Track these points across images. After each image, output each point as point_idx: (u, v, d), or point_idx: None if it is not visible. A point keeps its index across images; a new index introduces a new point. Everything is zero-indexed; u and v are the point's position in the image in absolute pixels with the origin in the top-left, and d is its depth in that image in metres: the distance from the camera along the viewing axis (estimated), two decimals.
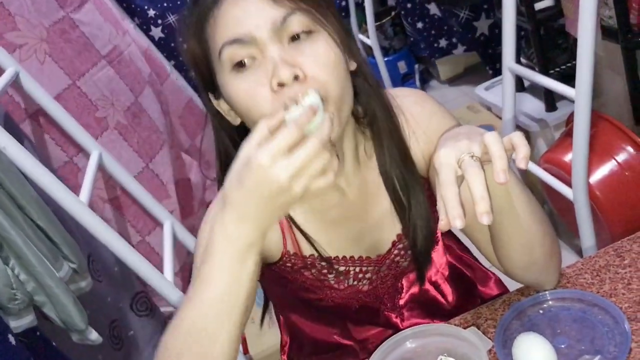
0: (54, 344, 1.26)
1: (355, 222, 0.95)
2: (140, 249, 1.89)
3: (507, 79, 1.95)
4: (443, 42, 3.23)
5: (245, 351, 1.82)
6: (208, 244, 0.72)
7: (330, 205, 0.93)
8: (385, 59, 3.37)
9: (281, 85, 0.76)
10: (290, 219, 0.91)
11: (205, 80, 0.85)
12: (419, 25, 3.19)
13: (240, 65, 0.79)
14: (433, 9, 3.15)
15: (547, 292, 0.93)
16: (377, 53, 3.30)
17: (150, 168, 1.87)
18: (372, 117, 0.89)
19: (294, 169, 0.66)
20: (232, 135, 0.89)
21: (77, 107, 1.76)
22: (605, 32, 1.79)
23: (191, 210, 2.02)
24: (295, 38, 0.79)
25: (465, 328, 0.92)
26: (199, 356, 0.74)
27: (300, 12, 0.79)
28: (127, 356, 1.59)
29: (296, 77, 0.76)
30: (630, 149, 1.78)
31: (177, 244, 1.76)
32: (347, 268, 0.95)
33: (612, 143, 1.81)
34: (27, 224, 1.22)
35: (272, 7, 0.78)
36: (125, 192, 1.85)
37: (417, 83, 3.46)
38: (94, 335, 1.29)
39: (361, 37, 3.36)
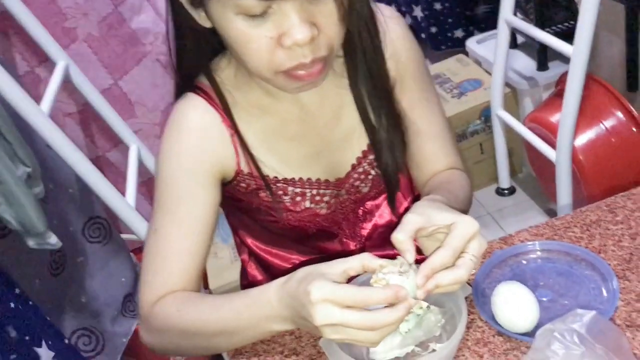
0: None
1: (315, 140, 0.90)
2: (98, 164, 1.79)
3: (502, 32, 1.88)
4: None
5: (206, 286, 1.77)
6: (261, 290, 0.74)
7: (289, 119, 0.88)
8: None
9: (296, 45, 0.71)
10: (239, 137, 0.85)
11: None
12: None
13: (254, 15, 0.71)
14: None
15: (532, 243, 0.88)
16: None
17: (119, 85, 1.75)
18: (351, 35, 0.82)
19: (332, 322, 0.64)
20: (197, 36, 0.81)
21: (44, 16, 1.63)
22: None
23: (155, 131, 1.90)
24: None
25: None
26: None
27: None
28: (69, 281, 1.51)
29: (313, 38, 0.72)
30: (620, 114, 1.73)
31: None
32: (304, 190, 0.91)
33: (602, 107, 1.76)
34: None
35: None
36: (89, 109, 1.75)
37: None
38: (53, 239, 1.20)
39: None
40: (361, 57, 0.84)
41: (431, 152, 0.96)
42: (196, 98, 0.85)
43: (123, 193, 1.49)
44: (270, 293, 0.72)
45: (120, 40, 1.75)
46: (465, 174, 0.97)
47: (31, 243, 1.19)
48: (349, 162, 0.92)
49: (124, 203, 1.47)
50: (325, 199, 0.93)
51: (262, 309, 0.73)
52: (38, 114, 1.31)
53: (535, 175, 2.10)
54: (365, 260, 0.69)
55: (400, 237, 0.71)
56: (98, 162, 1.82)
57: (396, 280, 0.68)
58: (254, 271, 1.06)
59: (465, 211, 0.88)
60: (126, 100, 1.76)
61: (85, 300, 1.59)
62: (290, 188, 0.90)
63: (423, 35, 2.88)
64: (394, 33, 0.90)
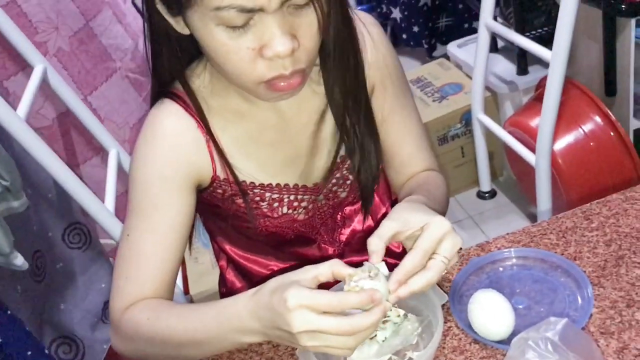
0: None
1: (293, 146, 0.90)
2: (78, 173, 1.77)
3: (482, 36, 1.89)
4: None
5: (186, 291, 1.76)
6: (229, 302, 0.73)
7: (266, 125, 0.88)
8: (359, 7, 3.27)
9: (277, 57, 0.72)
10: (214, 142, 0.85)
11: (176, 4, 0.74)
12: None
13: (235, 26, 0.71)
14: None
15: (511, 250, 0.88)
16: (351, 1, 3.19)
17: (89, 101, 1.74)
18: (326, 42, 0.82)
19: (310, 328, 0.64)
20: (172, 44, 0.81)
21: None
22: None
23: (125, 147, 1.88)
24: (297, 6, 0.72)
25: None
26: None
27: None
28: (49, 288, 1.49)
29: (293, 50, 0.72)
30: (598, 119, 1.75)
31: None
32: (281, 196, 0.91)
33: (580, 112, 1.77)
34: None
35: None
36: (64, 115, 1.73)
37: (389, 34, 3.38)
38: (19, 260, 1.19)
39: None
40: (337, 64, 0.84)
41: (409, 155, 0.97)
42: (171, 104, 0.84)
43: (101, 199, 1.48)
44: (239, 306, 0.71)
45: (91, 55, 1.74)
46: (441, 174, 0.98)
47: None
48: (327, 167, 0.92)
49: (102, 209, 1.45)
50: (303, 204, 0.93)
51: (231, 321, 0.72)
52: (14, 119, 1.29)
53: (515, 179, 2.12)
54: (334, 267, 0.69)
55: (375, 241, 0.72)
56: (77, 171, 1.80)
57: (369, 285, 0.69)
58: (233, 278, 1.05)
59: (443, 210, 0.89)
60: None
61: (64, 307, 1.57)
62: (267, 194, 0.90)
63: (404, 36, 2.91)
64: (375, 39, 0.91)
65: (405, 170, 0.98)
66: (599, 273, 0.83)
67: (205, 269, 1.76)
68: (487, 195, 2.25)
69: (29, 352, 1.13)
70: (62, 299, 1.56)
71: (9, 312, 1.11)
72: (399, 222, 0.74)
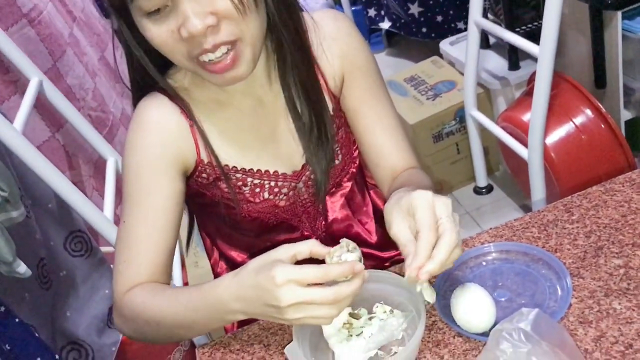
0: None
1: (269, 131, 0.95)
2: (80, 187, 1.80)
3: (472, 33, 1.91)
4: (372, 12, 3.15)
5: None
6: (211, 286, 0.78)
7: (244, 111, 0.93)
8: (353, 8, 3.28)
9: (192, 37, 0.76)
10: (197, 126, 0.90)
11: (118, 10, 0.81)
12: None
13: (151, 12, 0.76)
14: None
15: (491, 245, 0.90)
16: (345, 2, 3.21)
17: (57, 138, 1.76)
18: (278, 42, 0.87)
19: (298, 300, 0.69)
20: (144, 49, 0.85)
21: None
22: None
23: (92, 182, 1.91)
24: None
25: (403, 276, 0.89)
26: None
27: None
28: (56, 296, 1.52)
29: (209, 27, 0.76)
30: (589, 112, 1.76)
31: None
32: (262, 181, 0.95)
33: (571, 105, 1.79)
34: None
35: None
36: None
37: (384, 36, 3.39)
38: (22, 268, 1.22)
39: None
40: (288, 59, 0.88)
41: (383, 145, 0.98)
42: (156, 95, 0.90)
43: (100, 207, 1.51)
44: (220, 289, 0.76)
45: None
46: (422, 171, 1.00)
47: (2, 270, 1.20)
48: (304, 155, 0.96)
49: (101, 217, 1.48)
50: (284, 190, 0.97)
51: (214, 305, 0.77)
52: (11, 132, 1.32)
53: (510, 171, 2.13)
54: (313, 247, 0.74)
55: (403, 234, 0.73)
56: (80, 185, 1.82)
57: (351, 257, 0.75)
58: (224, 272, 1.09)
59: None
60: (64, 152, 1.78)
61: (70, 314, 1.60)
62: (249, 179, 0.94)
63: (424, 30, 2.91)
64: (339, 33, 0.94)
65: (383, 163, 0.98)
66: (578, 264, 0.85)
67: (205, 273, 1.78)
68: (483, 190, 2.27)
69: (39, 359, 1.16)
70: (67, 306, 1.58)
71: (17, 319, 1.14)
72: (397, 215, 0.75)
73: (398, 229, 0.73)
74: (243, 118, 0.93)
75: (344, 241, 0.76)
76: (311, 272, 0.70)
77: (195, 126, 0.90)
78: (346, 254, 0.75)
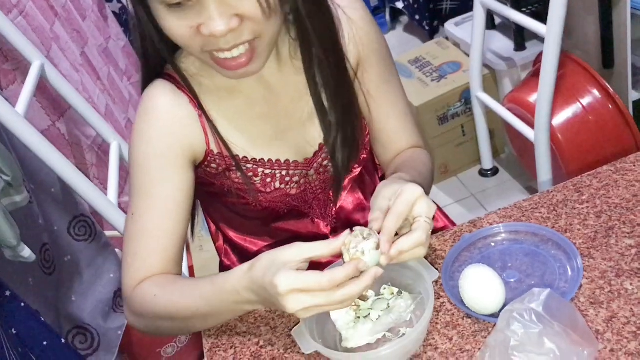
0: None
1: (281, 120, 0.92)
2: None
3: (477, 14, 1.88)
4: None
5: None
6: (224, 279, 0.77)
7: (255, 99, 0.91)
8: None
9: (213, 36, 0.74)
10: (206, 117, 0.88)
11: None
12: None
13: (173, 4, 0.74)
14: None
15: (500, 225, 0.89)
16: None
17: (57, 127, 1.75)
18: (301, 19, 0.82)
19: (305, 306, 0.69)
20: (158, 30, 0.82)
21: None
22: None
23: (93, 171, 1.89)
24: None
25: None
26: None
27: None
28: (60, 280, 1.52)
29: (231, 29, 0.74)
30: (596, 92, 1.74)
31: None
32: (273, 171, 0.93)
33: (578, 86, 1.77)
34: None
35: None
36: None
37: (387, 17, 3.36)
38: (26, 253, 1.21)
39: None
40: (313, 42, 0.84)
41: (394, 130, 0.99)
42: (164, 83, 0.88)
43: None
44: (234, 281, 0.76)
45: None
46: (426, 150, 1.00)
47: (7, 254, 1.20)
48: (317, 141, 0.94)
49: (105, 201, 1.47)
50: (295, 179, 0.95)
51: (230, 296, 0.76)
52: (13, 116, 1.31)
53: (515, 153, 2.12)
54: (327, 248, 0.72)
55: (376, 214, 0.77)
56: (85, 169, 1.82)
57: (367, 245, 0.72)
58: (232, 258, 1.08)
59: (428, 185, 0.92)
60: (65, 140, 1.76)
61: (75, 298, 1.60)
62: (260, 169, 0.92)
63: (417, 17, 2.89)
64: (354, 17, 0.92)
65: (392, 147, 0.99)
66: (589, 244, 0.84)
67: (210, 257, 1.78)
68: (489, 172, 2.25)
69: (45, 342, 1.16)
70: (72, 290, 1.59)
71: (22, 304, 1.14)
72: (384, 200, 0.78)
73: (376, 201, 0.78)
74: (253, 106, 0.90)
75: (358, 229, 0.74)
76: (315, 281, 0.68)
77: (204, 116, 0.87)
78: (362, 243, 0.72)
